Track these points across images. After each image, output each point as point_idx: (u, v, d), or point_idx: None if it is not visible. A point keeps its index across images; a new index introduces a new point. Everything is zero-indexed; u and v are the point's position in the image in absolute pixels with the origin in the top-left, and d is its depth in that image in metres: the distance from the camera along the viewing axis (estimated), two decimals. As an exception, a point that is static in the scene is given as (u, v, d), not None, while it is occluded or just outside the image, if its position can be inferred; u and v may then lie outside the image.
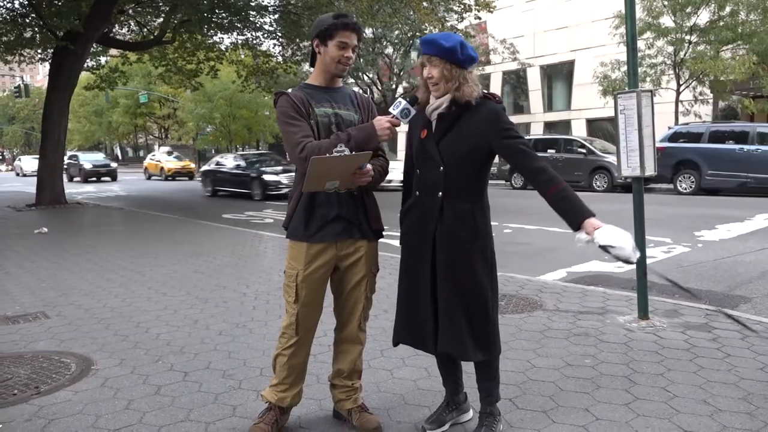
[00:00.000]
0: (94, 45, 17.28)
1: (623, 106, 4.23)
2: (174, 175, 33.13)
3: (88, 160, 33.56)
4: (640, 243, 4.37)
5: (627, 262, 2.30)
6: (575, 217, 2.37)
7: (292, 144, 2.53)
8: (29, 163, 38.52)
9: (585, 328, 4.29)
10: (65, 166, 30.97)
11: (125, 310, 5.07)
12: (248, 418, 2.93)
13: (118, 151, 64.36)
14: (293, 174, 2.78)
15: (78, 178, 32.48)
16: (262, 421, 2.75)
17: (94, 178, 32.28)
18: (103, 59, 22.11)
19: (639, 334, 4.12)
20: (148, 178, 34.30)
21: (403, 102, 2.57)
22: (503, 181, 20.27)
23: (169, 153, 36.29)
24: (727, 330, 4.13)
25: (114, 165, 34.78)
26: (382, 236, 2.80)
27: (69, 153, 34.51)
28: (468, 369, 2.80)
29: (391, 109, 2.59)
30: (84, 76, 21.05)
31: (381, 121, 2.57)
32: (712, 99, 22.78)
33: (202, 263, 7.21)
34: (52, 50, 16.08)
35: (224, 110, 34.63)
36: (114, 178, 32.89)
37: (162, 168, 33.72)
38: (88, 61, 18.31)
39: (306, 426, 2.88)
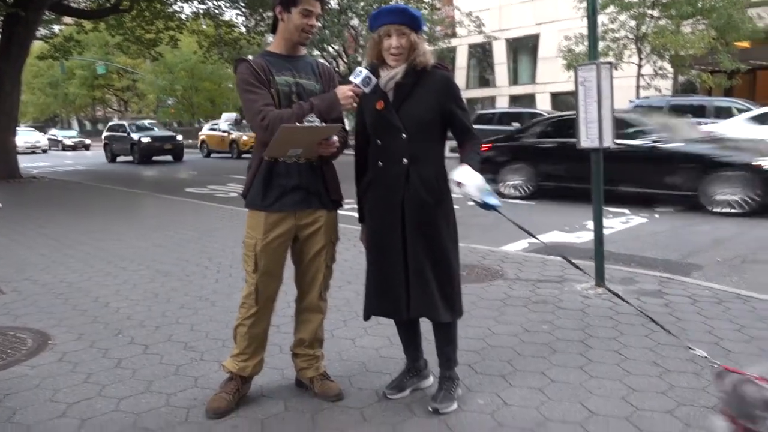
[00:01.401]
0: (46, 12, 16.61)
1: (583, 78, 4.28)
2: (250, 150, 23.31)
3: (144, 132, 23.62)
4: (598, 214, 4.49)
5: (474, 201, 2.50)
6: (467, 161, 2.55)
7: (253, 112, 2.50)
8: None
9: (543, 296, 4.40)
10: (105, 141, 24.51)
11: (84, 285, 4.99)
12: (210, 389, 2.94)
13: (75, 125, 62.42)
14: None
15: (125, 157, 23.74)
16: (223, 390, 2.76)
17: (154, 157, 23.05)
18: (56, 27, 21.28)
19: (595, 300, 4.24)
20: (207, 155, 26.10)
21: (365, 71, 2.55)
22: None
23: (237, 122, 25.72)
24: (678, 296, 4.28)
25: (180, 138, 24.41)
26: (341, 206, 2.81)
27: (112, 123, 26.48)
28: (428, 336, 2.85)
29: (352, 78, 2.57)
30: (37, 45, 20.28)
31: (343, 90, 2.55)
32: (672, 74, 23.21)
33: (163, 237, 7.11)
34: (1, 18, 15.40)
35: (186, 82, 33.86)
36: (179, 158, 23.67)
37: (233, 141, 24.53)
38: (40, 29, 17.61)
39: (268, 395, 2.90)
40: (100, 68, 41.41)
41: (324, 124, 2.53)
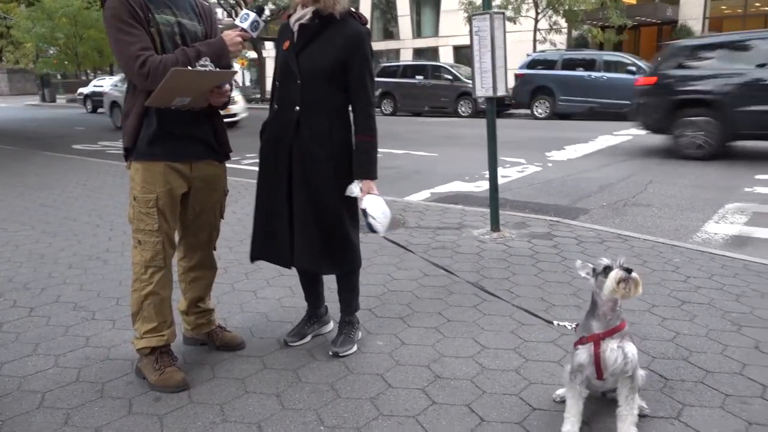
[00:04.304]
0: None
1: (477, 27, 4.36)
2: None
3: None
4: (493, 161, 4.66)
5: (372, 231, 2.53)
6: (364, 171, 2.55)
7: (129, 56, 2.25)
8: None
9: (443, 242, 4.55)
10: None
11: (-43, 249, 4.61)
12: (103, 347, 2.85)
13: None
14: None
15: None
16: (164, 365, 2.49)
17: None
18: None
19: (490, 244, 4.45)
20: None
21: (252, 14, 2.45)
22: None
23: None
24: (566, 238, 4.57)
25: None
26: (229, 158, 2.69)
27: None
28: (331, 285, 2.88)
29: (238, 22, 2.46)
30: None
31: (231, 36, 2.42)
32: (566, 29, 24.11)
33: (48, 196, 6.66)
34: None
35: (68, 30, 31.12)
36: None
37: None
38: None
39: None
40: (-35, 13, 37.19)
41: (219, 69, 2.37)
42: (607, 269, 1.99)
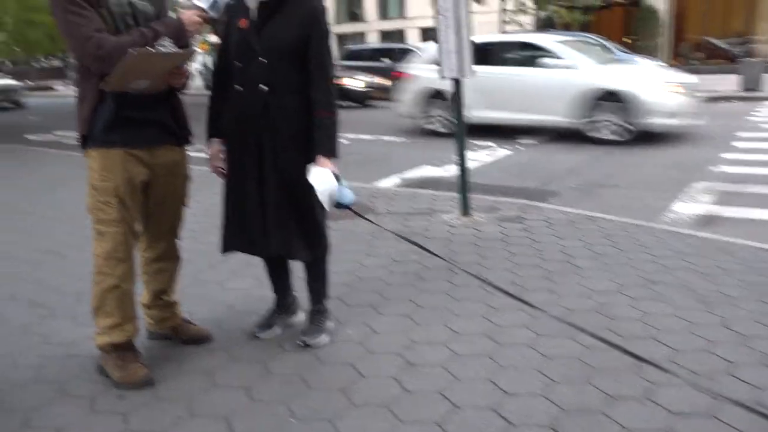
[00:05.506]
0: None
1: (442, 7, 4.34)
2: None
3: None
4: (460, 146, 4.66)
5: (324, 204, 2.50)
6: (323, 147, 2.50)
7: (81, 38, 2.18)
8: None
9: (413, 227, 4.56)
10: None
11: None
12: (63, 345, 2.78)
13: None
14: None
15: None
16: (127, 362, 2.45)
17: None
18: None
19: (460, 229, 4.47)
20: None
21: None
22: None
23: None
24: (536, 221, 4.62)
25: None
26: (190, 142, 2.63)
27: None
28: (299, 273, 2.86)
29: (196, 1, 2.41)
30: None
31: (189, 16, 2.38)
32: (533, 9, 24.24)
33: (1, 190, 6.46)
34: None
35: (17, 15, 30.06)
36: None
37: None
38: None
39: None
40: None
41: (179, 50, 2.33)
42: None
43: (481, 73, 7.76)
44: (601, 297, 3.15)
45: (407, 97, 10.31)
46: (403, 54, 18.74)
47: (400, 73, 11.45)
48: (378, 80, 16.49)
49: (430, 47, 10.40)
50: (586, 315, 2.95)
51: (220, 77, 2.62)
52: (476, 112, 8.62)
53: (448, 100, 8.65)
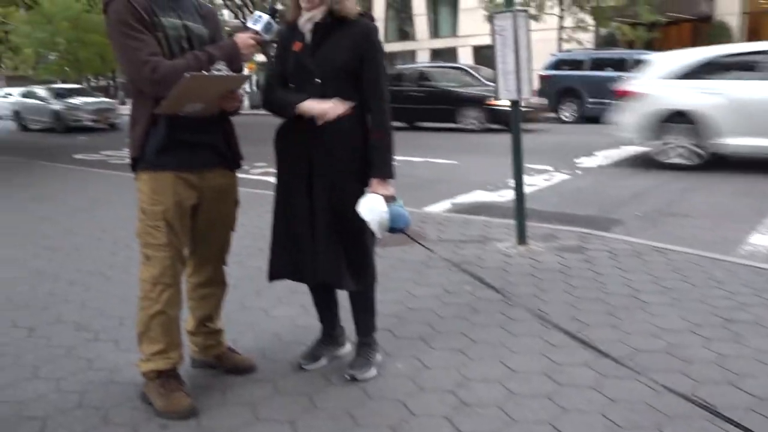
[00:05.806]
0: None
1: (500, 27, 4.35)
2: None
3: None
4: (518, 169, 4.63)
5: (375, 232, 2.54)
6: (376, 169, 2.56)
7: (137, 62, 2.26)
8: None
9: (465, 256, 4.53)
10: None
11: (-46, 265, 4.67)
12: (106, 370, 2.85)
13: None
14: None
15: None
16: (171, 390, 2.47)
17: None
18: None
19: (516, 259, 4.41)
20: None
21: (265, 15, 2.48)
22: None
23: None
24: (598, 251, 4.52)
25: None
26: (241, 166, 2.70)
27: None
28: (345, 304, 2.87)
29: (250, 24, 2.49)
30: None
31: (244, 39, 2.45)
32: (593, 26, 24.04)
33: (48, 209, 6.75)
34: None
35: (69, 35, 31.66)
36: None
37: None
38: None
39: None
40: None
41: (234, 74, 2.41)
42: None
43: (738, 91, 7.15)
44: (670, 336, 3.04)
45: (631, 120, 8.59)
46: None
47: (625, 91, 9.05)
48: (536, 99, 14.88)
49: (665, 59, 8.75)
50: (654, 356, 2.85)
51: (276, 103, 2.65)
52: (732, 139, 7.43)
53: (694, 123, 7.53)
